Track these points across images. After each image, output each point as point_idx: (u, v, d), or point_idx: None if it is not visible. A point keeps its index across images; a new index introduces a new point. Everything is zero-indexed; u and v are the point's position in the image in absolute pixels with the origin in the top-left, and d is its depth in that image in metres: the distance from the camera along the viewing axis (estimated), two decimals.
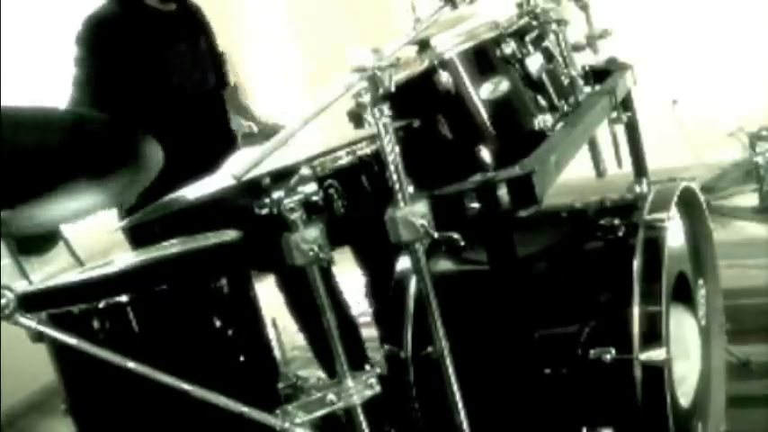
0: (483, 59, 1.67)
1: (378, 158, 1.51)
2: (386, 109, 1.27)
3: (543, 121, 1.64)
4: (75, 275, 1.60)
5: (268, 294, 2.23)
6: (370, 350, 2.33)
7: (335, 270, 2.21)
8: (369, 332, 2.41)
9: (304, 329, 2.43)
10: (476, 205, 1.42)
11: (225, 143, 2.57)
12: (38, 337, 1.38)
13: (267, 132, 2.66)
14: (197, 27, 2.63)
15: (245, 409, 1.28)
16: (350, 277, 2.49)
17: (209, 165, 1.74)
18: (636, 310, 1.53)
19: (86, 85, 2.35)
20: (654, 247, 1.60)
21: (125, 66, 2.34)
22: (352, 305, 2.51)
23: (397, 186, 1.29)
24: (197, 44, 2.58)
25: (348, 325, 2.38)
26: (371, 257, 2.38)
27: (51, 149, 1.21)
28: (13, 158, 1.15)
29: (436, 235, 1.30)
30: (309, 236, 1.31)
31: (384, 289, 1.84)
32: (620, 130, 2.07)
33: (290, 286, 2.39)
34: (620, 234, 1.67)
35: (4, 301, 1.15)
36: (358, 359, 1.43)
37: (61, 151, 1.22)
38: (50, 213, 1.34)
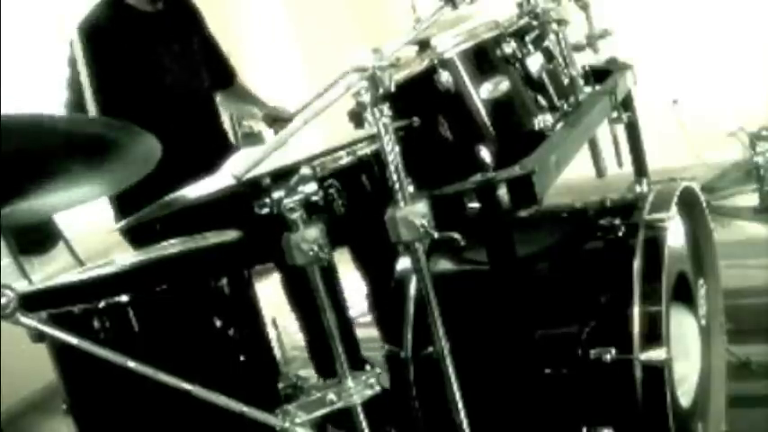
0: (483, 59, 1.66)
1: (378, 158, 1.51)
2: (386, 109, 1.27)
3: (543, 120, 1.64)
4: (75, 275, 1.60)
5: (268, 294, 2.23)
6: (371, 350, 2.32)
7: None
8: (369, 332, 2.41)
9: (303, 328, 2.43)
10: (476, 205, 1.42)
11: (216, 143, 2.57)
12: (38, 336, 1.38)
13: (275, 116, 2.65)
14: (188, 25, 2.62)
15: (245, 409, 1.28)
16: (350, 277, 2.49)
17: (200, 164, 1.74)
18: (636, 310, 1.53)
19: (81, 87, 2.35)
20: (654, 246, 1.60)
21: (118, 69, 2.34)
22: (352, 306, 2.50)
23: (397, 186, 1.29)
24: (189, 43, 2.57)
25: (346, 326, 2.37)
26: (371, 258, 2.38)
27: (45, 153, 1.21)
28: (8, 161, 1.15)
29: (436, 235, 1.30)
30: (309, 236, 1.31)
31: (384, 289, 1.84)
32: (621, 129, 2.07)
33: (292, 284, 2.39)
34: (621, 234, 1.67)
35: (4, 300, 1.15)
36: (353, 360, 1.43)
37: (56, 153, 1.22)
38: (45, 203, 1.34)
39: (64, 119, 1.20)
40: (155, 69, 2.41)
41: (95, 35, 2.36)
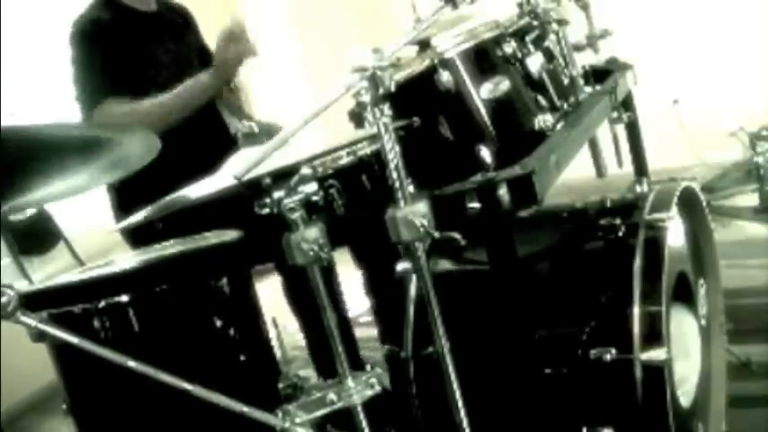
0: (483, 59, 1.66)
1: (378, 158, 1.51)
2: (386, 109, 1.27)
3: (544, 120, 1.64)
4: (75, 275, 1.61)
5: (268, 294, 2.23)
6: (370, 350, 2.32)
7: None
8: (369, 332, 2.41)
9: (304, 327, 2.43)
10: (476, 205, 1.42)
11: (217, 142, 2.57)
12: (38, 336, 1.38)
13: (264, 132, 2.65)
14: (182, 27, 2.64)
15: (245, 409, 1.28)
16: (350, 277, 2.48)
17: (201, 163, 1.74)
18: (636, 310, 1.53)
19: (91, 78, 2.34)
20: (654, 246, 1.60)
21: (115, 66, 2.34)
22: (352, 305, 2.50)
23: (397, 186, 1.29)
24: (184, 42, 2.58)
25: (345, 326, 2.37)
26: (371, 258, 2.37)
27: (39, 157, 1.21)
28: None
29: (436, 235, 1.30)
30: (309, 236, 1.31)
31: (383, 289, 1.84)
32: (621, 129, 2.07)
33: (292, 284, 2.39)
34: (621, 234, 1.67)
35: (5, 299, 1.15)
36: (353, 361, 1.43)
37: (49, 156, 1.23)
38: (39, 194, 1.34)
39: (58, 126, 1.20)
40: (151, 66, 2.42)
41: (92, 32, 2.36)
